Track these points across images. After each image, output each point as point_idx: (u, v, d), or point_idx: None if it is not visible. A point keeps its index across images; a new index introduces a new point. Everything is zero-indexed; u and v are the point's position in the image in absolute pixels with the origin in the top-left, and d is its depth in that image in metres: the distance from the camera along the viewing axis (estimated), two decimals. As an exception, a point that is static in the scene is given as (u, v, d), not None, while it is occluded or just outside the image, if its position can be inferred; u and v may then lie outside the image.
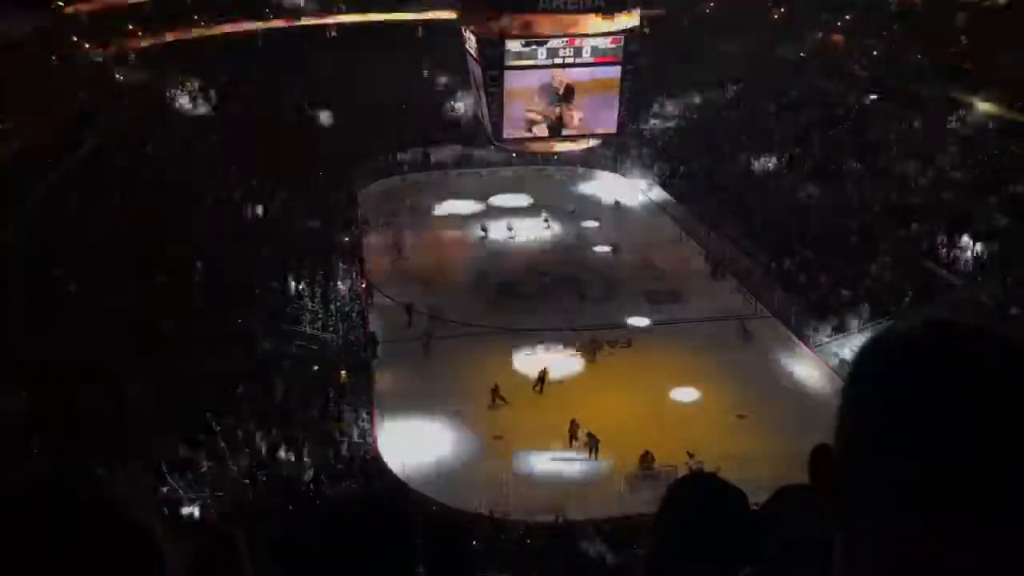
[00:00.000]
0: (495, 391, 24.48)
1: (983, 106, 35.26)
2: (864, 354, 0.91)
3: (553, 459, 22.34)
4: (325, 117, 46.33)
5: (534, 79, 30.51)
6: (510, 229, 37.98)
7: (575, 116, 31.80)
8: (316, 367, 25.20)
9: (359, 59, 48.04)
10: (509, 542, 18.81)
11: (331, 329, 28.10)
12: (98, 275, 25.17)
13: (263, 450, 20.98)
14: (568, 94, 31.45)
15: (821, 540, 0.96)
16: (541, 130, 31.96)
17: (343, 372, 25.06)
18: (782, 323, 29.44)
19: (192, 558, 2.05)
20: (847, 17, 46.62)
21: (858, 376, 0.91)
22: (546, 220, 39.10)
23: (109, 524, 1.03)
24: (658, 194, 42.15)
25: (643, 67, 41.07)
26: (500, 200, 41.84)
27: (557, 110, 31.50)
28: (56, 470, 1.07)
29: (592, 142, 35.69)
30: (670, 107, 48.30)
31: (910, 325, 0.89)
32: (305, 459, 21.06)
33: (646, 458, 21.90)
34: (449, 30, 39.68)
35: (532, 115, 31.47)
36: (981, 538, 0.80)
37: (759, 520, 1.46)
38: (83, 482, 1.05)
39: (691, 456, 20.89)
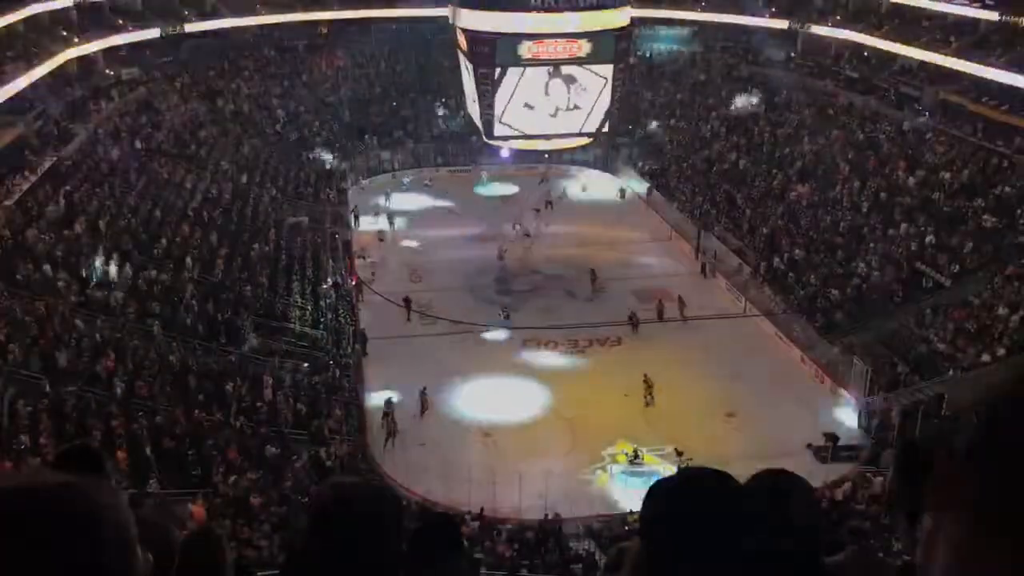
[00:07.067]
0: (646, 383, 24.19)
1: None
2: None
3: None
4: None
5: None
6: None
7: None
8: (306, 364, 25.07)
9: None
10: (498, 540, 18.78)
11: (321, 325, 27.97)
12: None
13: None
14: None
15: None
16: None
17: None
18: (770, 322, 29.57)
19: (176, 554, 2.06)
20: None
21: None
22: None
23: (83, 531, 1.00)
24: (648, 192, 42.11)
25: (633, 67, 41.29)
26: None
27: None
28: (49, 482, 1.04)
29: (583, 140, 35.72)
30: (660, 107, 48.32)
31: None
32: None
33: (633, 455, 22.02)
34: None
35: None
36: None
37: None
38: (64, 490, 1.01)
39: (679, 454, 20.92)
